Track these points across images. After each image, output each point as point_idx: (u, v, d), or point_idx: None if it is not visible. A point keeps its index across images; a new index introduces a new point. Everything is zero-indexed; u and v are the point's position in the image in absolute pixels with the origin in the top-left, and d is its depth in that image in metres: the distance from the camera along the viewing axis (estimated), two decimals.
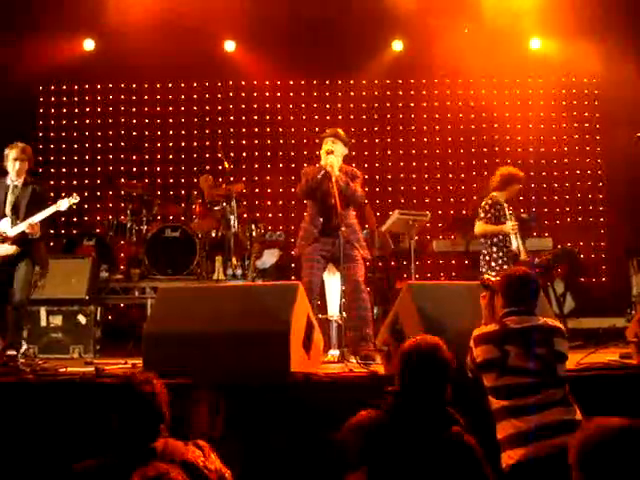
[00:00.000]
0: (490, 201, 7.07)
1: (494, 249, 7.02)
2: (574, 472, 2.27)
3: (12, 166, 6.47)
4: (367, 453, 3.05)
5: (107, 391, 4.68)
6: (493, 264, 7.00)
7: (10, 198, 6.46)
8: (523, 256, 6.99)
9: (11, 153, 6.49)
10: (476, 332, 3.99)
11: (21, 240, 6.36)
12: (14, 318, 6.42)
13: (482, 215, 7.03)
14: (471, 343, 3.96)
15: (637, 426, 2.23)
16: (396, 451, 3.01)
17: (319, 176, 6.37)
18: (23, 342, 6.55)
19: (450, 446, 3.04)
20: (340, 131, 6.68)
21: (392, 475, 2.97)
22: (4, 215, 6.42)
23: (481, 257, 7.17)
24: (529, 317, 3.98)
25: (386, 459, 3.00)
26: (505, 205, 7.05)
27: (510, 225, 6.96)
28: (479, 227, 7.06)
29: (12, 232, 6.35)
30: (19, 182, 6.49)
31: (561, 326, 4.08)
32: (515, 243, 6.99)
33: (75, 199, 6.71)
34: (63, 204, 6.56)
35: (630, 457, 2.17)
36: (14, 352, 6.26)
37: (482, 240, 7.15)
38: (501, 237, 6.99)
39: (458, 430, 3.12)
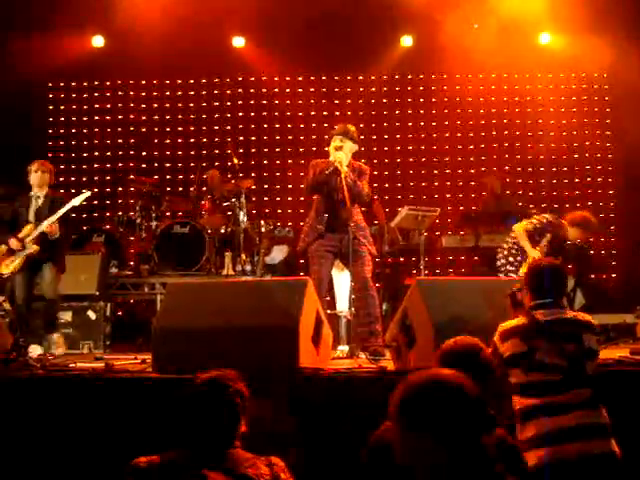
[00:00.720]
0: (551, 219, 6.97)
1: (516, 246, 7.07)
2: (394, 421, 2.29)
3: (35, 177, 7.08)
4: None
5: (121, 388, 4.77)
6: (511, 259, 7.03)
7: (33, 208, 7.05)
8: None
9: (33, 166, 7.12)
10: (502, 327, 3.83)
11: (42, 241, 6.87)
12: (49, 312, 7.05)
13: (533, 221, 6.96)
14: (496, 338, 3.81)
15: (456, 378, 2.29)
16: None
17: (327, 172, 6.36)
18: (38, 347, 6.75)
19: (497, 449, 2.97)
20: (350, 127, 6.64)
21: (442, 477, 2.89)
22: (28, 223, 6.95)
23: (499, 249, 7.23)
24: (558, 310, 3.82)
25: None
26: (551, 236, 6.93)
27: (534, 254, 6.83)
28: (519, 228, 6.97)
29: (33, 234, 6.84)
30: (42, 194, 7.11)
31: (592, 320, 3.89)
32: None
33: (87, 194, 7.28)
34: (76, 200, 7.05)
35: (445, 403, 2.22)
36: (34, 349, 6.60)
37: (512, 234, 7.15)
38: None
39: (502, 433, 3.03)
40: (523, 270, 6.88)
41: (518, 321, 3.82)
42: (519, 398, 3.68)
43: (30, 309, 7.07)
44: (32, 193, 7.09)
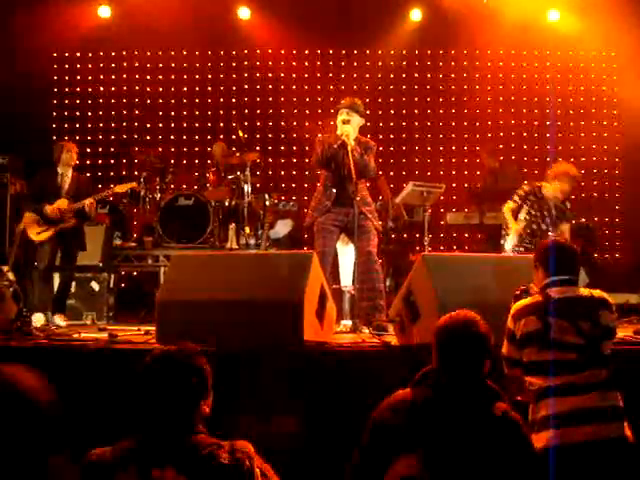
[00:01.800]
0: (527, 187, 7.20)
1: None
2: None
3: (67, 157, 7.33)
4: (415, 432, 2.93)
5: (124, 359, 4.77)
6: (503, 232, 7.27)
7: (64, 184, 7.32)
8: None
9: (65, 147, 7.43)
10: (514, 307, 3.76)
11: (79, 216, 7.23)
12: (64, 288, 7.33)
13: (514, 197, 7.20)
14: (509, 323, 3.73)
15: None
16: (445, 429, 2.91)
17: (335, 145, 6.33)
18: (42, 316, 6.86)
19: (499, 423, 2.95)
20: (357, 101, 6.62)
21: (445, 452, 2.88)
22: (59, 197, 7.22)
23: (503, 231, 7.38)
24: (573, 287, 3.74)
25: (436, 437, 2.90)
26: (532, 199, 7.11)
27: (513, 226, 7.06)
28: (505, 208, 7.22)
29: (72, 207, 7.17)
30: (68, 173, 7.36)
31: (608, 298, 3.79)
32: (509, 244, 7.09)
33: (132, 184, 7.89)
34: (120, 187, 7.61)
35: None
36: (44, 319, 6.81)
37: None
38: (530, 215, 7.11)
39: (505, 407, 3.01)
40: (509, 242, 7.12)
41: (532, 299, 3.75)
42: (532, 378, 3.61)
43: (50, 278, 7.32)
44: (59, 170, 7.33)
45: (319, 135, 6.70)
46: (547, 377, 3.54)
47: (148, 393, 2.64)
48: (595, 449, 3.44)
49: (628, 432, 3.54)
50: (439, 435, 2.90)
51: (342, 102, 6.65)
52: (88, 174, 10.70)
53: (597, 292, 3.81)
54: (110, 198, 7.91)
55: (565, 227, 7.19)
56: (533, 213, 7.12)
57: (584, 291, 3.78)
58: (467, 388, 3.01)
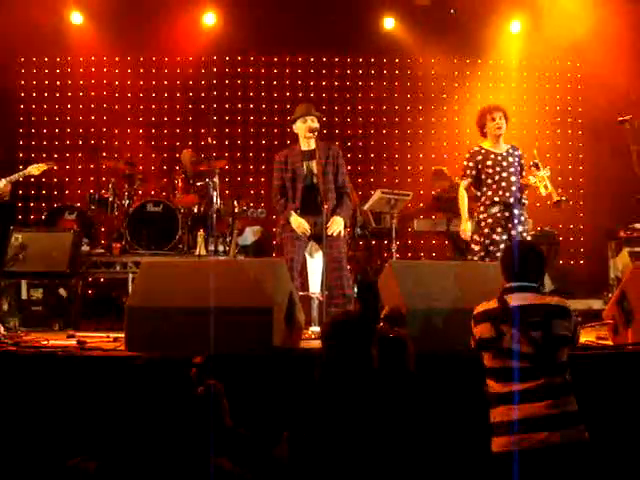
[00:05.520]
0: (469, 155, 6.65)
1: (481, 209, 6.58)
2: None
3: None
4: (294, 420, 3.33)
5: (94, 366, 4.77)
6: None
7: None
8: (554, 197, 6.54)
9: None
10: (476, 310, 3.78)
11: None
12: None
13: (465, 172, 6.63)
14: (472, 323, 3.77)
15: None
16: (324, 415, 3.21)
17: (298, 164, 6.46)
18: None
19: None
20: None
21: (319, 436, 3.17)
22: None
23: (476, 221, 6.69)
24: (531, 295, 3.70)
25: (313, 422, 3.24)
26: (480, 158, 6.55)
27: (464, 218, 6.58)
28: (460, 188, 6.69)
29: None
30: None
31: (566, 305, 3.74)
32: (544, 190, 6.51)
33: (49, 165, 7.06)
34: (37, 168, 6.83)
35: None
36: None
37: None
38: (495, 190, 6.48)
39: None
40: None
41: (489, 304, 3.73)
42: (490, 382, 3.66)
43: None
44: None
45: (277, 156, 6.80)
46: (502, 384, 3.58)
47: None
48: (550, 455, 3.47)
49: (584, 436, 3.56)
50: (317, 419, 3.22)
51: (304, 108, 6.75)
52: (55, 179, 10.77)
53: (555, 300, 3.78)
54: (20, 179, 6.96)
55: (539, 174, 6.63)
56: (491, 171, 6.53)
57: (541, 299, 3.73)
58: (346, 375, 3.25)
